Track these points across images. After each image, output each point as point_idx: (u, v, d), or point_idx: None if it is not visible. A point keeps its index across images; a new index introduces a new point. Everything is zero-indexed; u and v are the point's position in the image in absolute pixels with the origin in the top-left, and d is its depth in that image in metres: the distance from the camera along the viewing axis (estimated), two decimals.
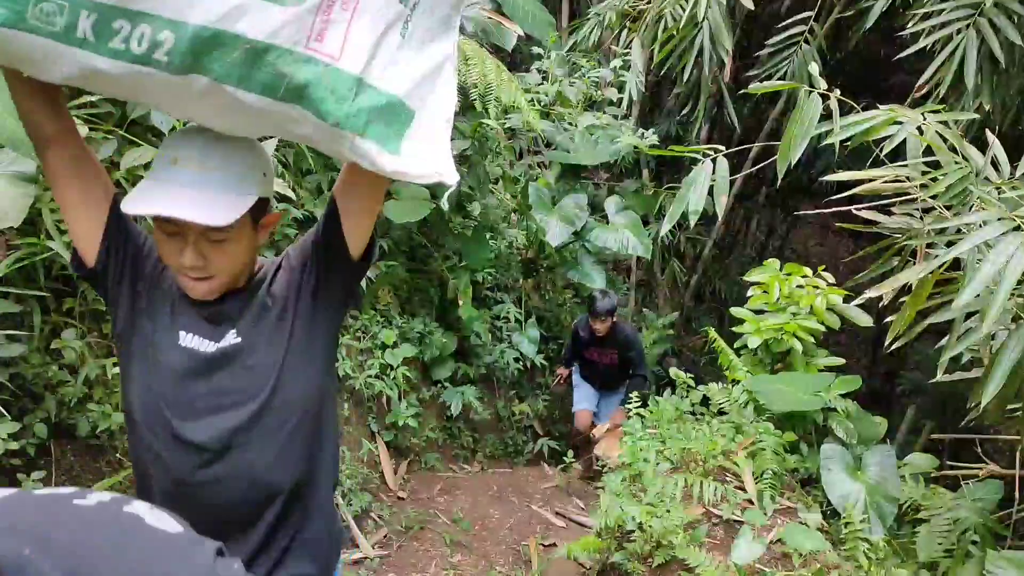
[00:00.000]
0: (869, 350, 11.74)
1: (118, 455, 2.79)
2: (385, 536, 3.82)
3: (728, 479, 3.69)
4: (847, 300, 4.30)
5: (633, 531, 3.26)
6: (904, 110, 3.23)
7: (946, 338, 3.00)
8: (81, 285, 2.66)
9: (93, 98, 2.64)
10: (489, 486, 4.57)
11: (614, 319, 5.20)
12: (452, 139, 4.64)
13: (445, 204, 3.57)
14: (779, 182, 3.87)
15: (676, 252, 9.08)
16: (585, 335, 5.30)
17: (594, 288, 4.82)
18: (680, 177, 7.97)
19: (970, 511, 3.44)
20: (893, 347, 3.14)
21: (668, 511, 3.24)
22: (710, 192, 3.66)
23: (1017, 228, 2.51)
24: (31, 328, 2.50)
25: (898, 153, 3.19)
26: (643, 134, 5.07)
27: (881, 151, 3.22)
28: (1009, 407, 2.99)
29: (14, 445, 2.37)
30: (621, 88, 5.69)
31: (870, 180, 3.21)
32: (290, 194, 3.00)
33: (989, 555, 2.77)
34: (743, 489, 3.63)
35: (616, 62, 5.61)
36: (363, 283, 4.14)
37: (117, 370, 2.73)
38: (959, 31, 4.79)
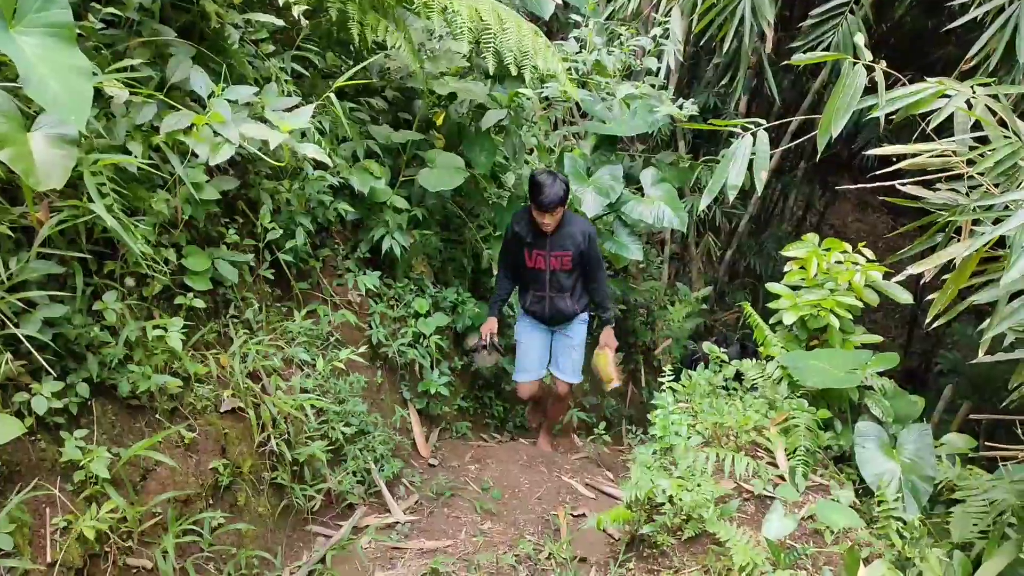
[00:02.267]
0: (905, 329, 11.58)
1: (157, 416, 2.85)
2: (416, 502, 3.87)
3: (760, 455, 3.67)
4: (887, 277, 4.23)
5: (663, 504, 3.26)
6: (952, 83, 3.15)
7: (989, 318, 2.95)
8: (122, 248, 2.70)
9: (134, 62, 2.66)
10: (519, 455, 4.59)
11: (565, 209, 4.23)
12: (489, 108, 4.61)
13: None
14: (819, 156, 3.80)
15: (711, 226, 8.99)
16: (525, 232, 4.28)
17: (537, 172, 4.13)
18: (717, 149, 7.90)
19: (1008, 493, 3.38)
20: (933, 325, 3.09)
21: (699, 485, 3.22)
22: (749, 166, 3.62)
23: None
24: (73, 290, 2.54)
25: (942, 129, 3.11)
26: (682, 104, 4.99)
27: (928, 125, 3.14)
28: None
29: (57, 403, 2.43)
30: (660, 57, 5.60)
31: (915, 155, 3.14)
32: (327, 160, 3.00)
33: None
34: (775, 465, 3.61)
35: (656, 31, 5.52)
36: (398, 251, 4.16)
37: (157, 332, 2.78)
38: (1012, 1, 4.65)
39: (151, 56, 2.90)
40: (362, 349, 3.79)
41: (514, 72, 3.69)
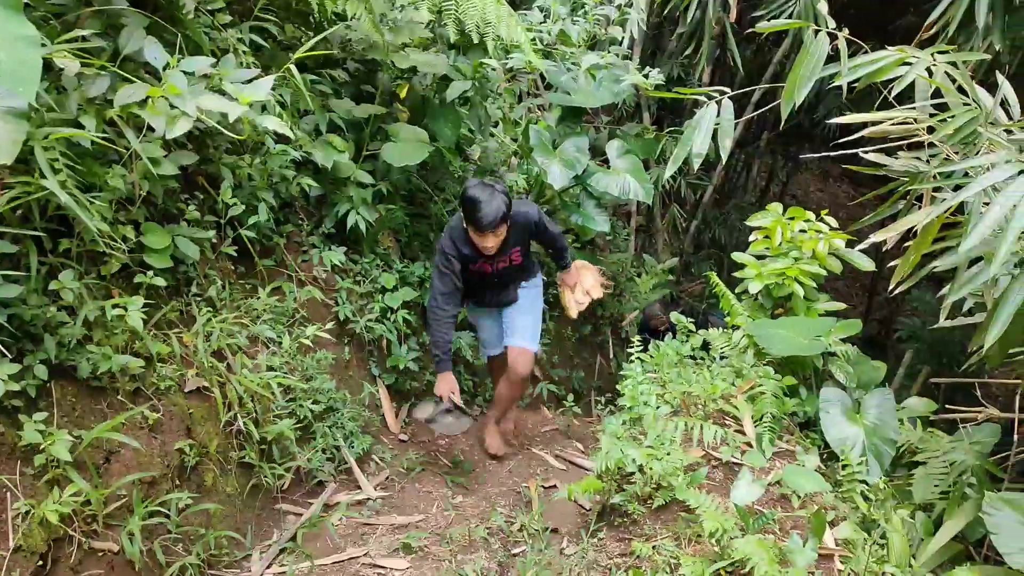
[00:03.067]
0: (866, 297, 11.79)
1: (119, 397, 2.79)
2: (387, 478, 3.86)
3: (728, 423, 3.71)
4: (849, 245, 4.28)
5: (633, 473, 3.29)
6: (913, 51, 3.16)
7: (949, 284, 2.99)
8: (77, 226, 2.62)
9: (85, 32, 2.57)
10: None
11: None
12: (452, 79, 4.55)
13: None
14: (782, 125, 3.82)
15: (677, 197, 9.03)
16: (467, 251, 3.73)
17: (470, 186, 3.56)
18: (681, 121, 7.90)
19: (967, 454, 3.47)
20: (896, 292, 3.13)
21: (668, 454, 3.25)
22: (714, 136, 3.62)
23: None
24: (27, 269, 2.47)
25: (902, 97, 3.13)
26: (647, 74, 4.97)
27: (890, 93, 3.16)
28: (1011, 351, 2.99)
29: (15, 386, 2.37)
30: (624, 27, 5.57)
31: (877, 123, 3.16)
32: (288, 133, 2.93)
33: (987, 496, 2.80)
34: (742, 432, 3.65)
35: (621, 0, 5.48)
36: (363, 226, 4.10)
37: (116, 311, 2.72)
38: None
39: (103, 27, 2.80)
40: (329, 325, 3.75)
41: (476, 42, 3.64)
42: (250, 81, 2.83)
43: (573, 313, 4.60)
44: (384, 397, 4.35)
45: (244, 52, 3.36)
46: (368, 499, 3.62)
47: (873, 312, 11.19)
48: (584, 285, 4.52)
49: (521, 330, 4.08)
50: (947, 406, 3.83)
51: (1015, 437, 3.17)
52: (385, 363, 4.40)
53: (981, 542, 3.29)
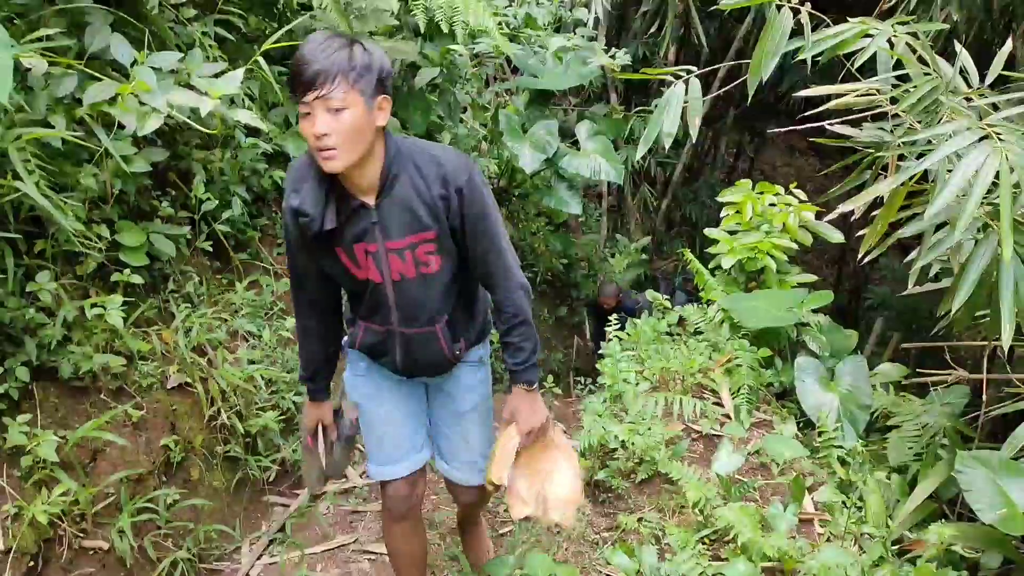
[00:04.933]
0: (835, 268, 11.95)
1: (102, 396, 2.78)
2: None
3: (706, 396, 3.79)
4: (819, 217, 4.36)
5: (616, 449, 3.35)
6: (875, 22, 3.22)
7: (916, 249, 3.07)
8: (52, 226, 2.61)
9: (50, 31, 2.54)
10: None
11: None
12: (421, 66, 4.54)
13: None
14: (749, 100, 3.87)
15: (647, 177, 9.10)
16: (314, 209, 1.73)
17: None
18: (648, 100, 7.96)
19: (939, 415, 3.57)
20: (866, 260, 3.20)
21: (649, 429, 3.32)
22: (683, 114, 3.66)
23: (986, 137, 2.56)
24: (4, 271, 2.45)
25: (864, 70, 3.19)
26: (614, 55, 5.00)
27: (853, 65, 3.21)
28: (978, 313, 3.08)
29: None
30: (589, 7, 5.59)
31: (841, 95, 3.22)
32: (260, 125, 2.93)
33: (959, 456, 2.89)
34: (720, 405, 3.73)
35: None
36: None
37: (95, 311, 2.71)
38: None
39: (67, 25, 2.77)
40: None
41: (445, 29, 3.64)
42: (219, 75, 2.82)
43: (517, 513, 2.20)
44: None
45: (210, 46, 3.33)
46: (355, 487, 3.64)
47: (842, 283, 11.36)
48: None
49: (453, 453, 2.33)
50: (918, 370, 3.93)
51: (984, 397, 3.27)
52: None
53: (954, 500, 3.40)
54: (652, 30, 7.52)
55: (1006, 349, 2.55)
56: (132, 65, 2.64)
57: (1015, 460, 2.93)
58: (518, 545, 3.15)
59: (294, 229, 1.88)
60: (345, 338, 2.18)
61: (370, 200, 1.81)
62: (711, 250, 4.48)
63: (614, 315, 4.41)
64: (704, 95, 3.69)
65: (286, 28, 3.32)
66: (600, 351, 4.09)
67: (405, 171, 1.81)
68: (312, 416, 2.27)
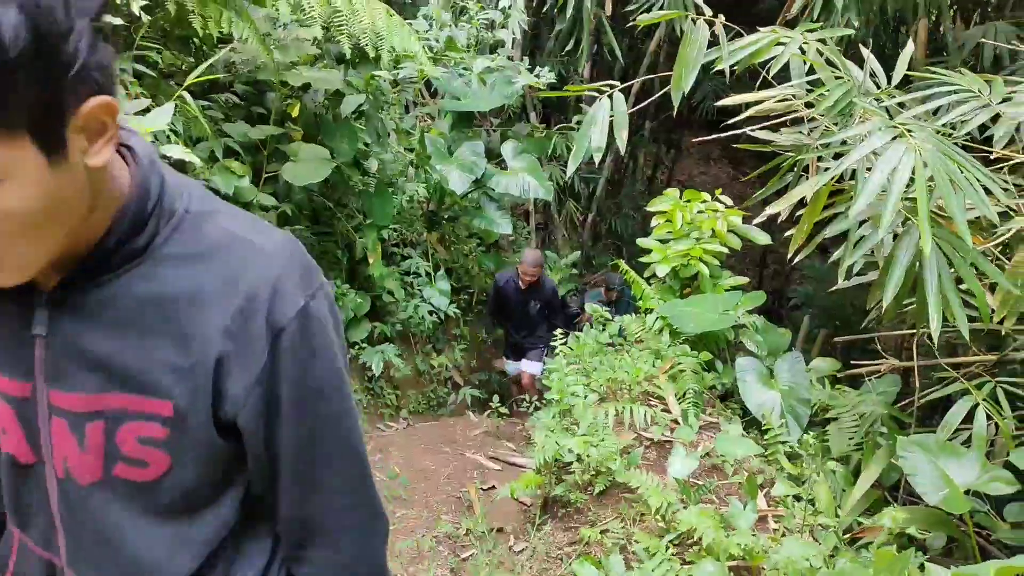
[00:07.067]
0: (756, 271, 12.31)
1: None
2: None
3: (653, 403, 3.84)
4: (744, 221, 4.49)
5: (571, 463, 3.36)
6: (785, 31, 3.35)
7: (843, 246, 3.19)
8: None
9: None
10: (419, 440, 4.59)
11: None
12: (346, 94, 4.51)
13: None
14: (675, 112, 3.97)
15: (571, 192, 9.21)
16: None
17: None
18: (567, 118, 8.08)
19: (874, 405, 3.70)
20: (795, 260, 3.31)
21: (603, 440, 3.34)
22: (610, 128, 3.73)
23: (900, 135, 2.69)
24: None
25: (774, 77, 3.31)
26: (539, 73, 5.07)
27: (769, 73, 3.34)
28: (904, 302, 3.21)
29: None
30: (507, 27, 5.66)
31: (760, 102, 3.34)
32: (195, 159, 2.86)
33: (899, 441, 2.99)
34: (668, 411, 3.78)
35: (505, 1, 5.56)
36: None
37: None
38: None
39: None
40: None
41: (372, 54, 3.63)
42: (145, 111, 2.74)
43: None
44: None
45: (132, 83, 3.25)
46: None
47: (764, 284, 11.68)
48: None
49: None
50: (852, 362, 4.07)
51: (917, 383, 3.41)
52: None
53: (896, 486, 3.52)
54: (568, 48, 7.66)
55: (936, 337, 2.66)
56: None
57: (950, 442, 3.06)
58: (481, 568, 3.13)
59: None
60: None
61: (47, 287, 0.85)
62: (644, 259, 4.56)
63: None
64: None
65: (209, 62, 3.26)
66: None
67: (163, 252, 0.84)
68: None
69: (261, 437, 0.87)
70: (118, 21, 2.98)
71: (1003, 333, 3.18)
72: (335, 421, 0.91)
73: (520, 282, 5.36)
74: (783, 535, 2.88)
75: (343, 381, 0.91)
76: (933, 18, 5.74)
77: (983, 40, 4.38)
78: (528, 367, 5.61)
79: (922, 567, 2.09)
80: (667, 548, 2.66)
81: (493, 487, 3.98)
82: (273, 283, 0.83)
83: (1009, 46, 4.20)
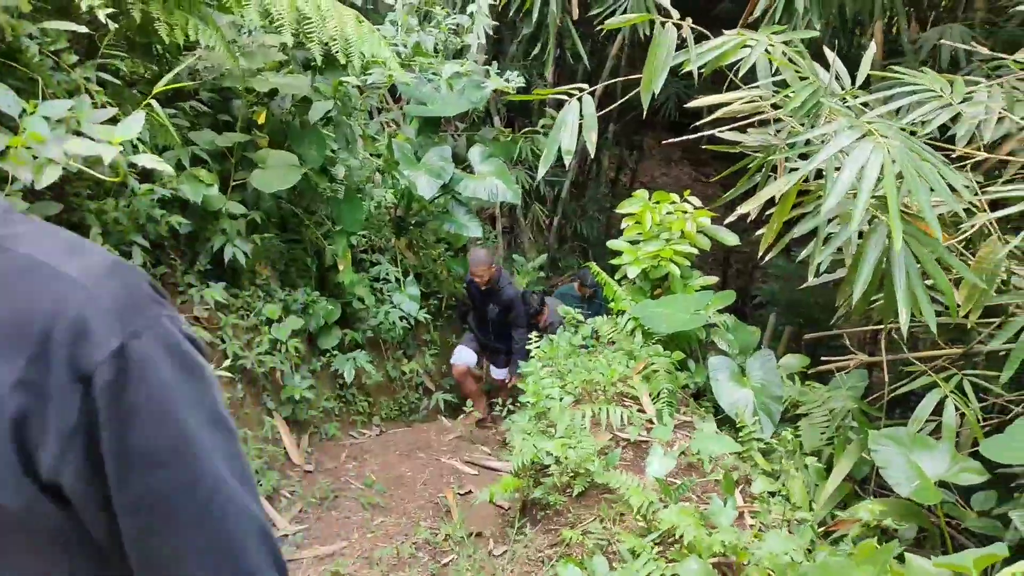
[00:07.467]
0: (721, 270, 12.45)
1: None
2: (300, 510, 3.76)
3: (628, 403, 3.86)
4: (713, 222, 4.54)
5: (549, 466, 3.37)
6: (751, 33, 3.40)
7: (811, 243, 3.24)
8: None
9: None
10: (394, 446, 4.56)
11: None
12: (314, 100, 4.48)
13: None
14: (644, 114, 4.01)
15: (537, 196, 9.24)
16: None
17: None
18: (531, 122, 8.10)
19: (844, 399, 3.76)
20: (766, 258, 3.36)
21: (580, 441, 3.35)
22: (579, 131, 3.75)
23: (867, 134, 2.74)
24: None
25: (740, 79, 3.36)
26: (508, 78, 5.08)
27: (737, 75, 3.38)
28: (872, 298, 3.27)
29: None
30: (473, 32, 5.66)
31: (727, 103, 3.38)
32: (167, 168, 2.81)
33: (871, 435, 3.05)
34: (643, 411, 3.81)
35: (471, 7, 5.57)
36: (241, 259, 3.99)
37: None
38: None
39: None
40: (226, 364, 3.62)
41: (343, 61, 3.61)
42: (112, 120, 2.69)
43: None
44: (283, 430, 4.24)
45: (97, 92, 3.19)
46: (286, 535, 3.52)
47: (729, 283, 11.82)
48: None
49: None
50: (822, 358, 4.13)
51: (886, 377, 3.47)
52: (280, 395, 4.28)
53: (866, 479, 3.58)
54: (534, 52, 7.68)
55: (905, 332, 2.72)
56: (20, 115, 2.49)
57: (919, 434, 3.13)
58: (462, 573, 3.13)
59: None
60: None
61: None
62: (614, 261, 4.59)
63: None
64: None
65: (177, 70, 3.21)
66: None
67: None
68: None
69: (93, 510, 0.69)
70: (83, 29, 2.92)
71: (968, 327, 3.25)
72: (184, 494, 0.70)
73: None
74: (760, 531, 2.92)
75: (189, 442, 0.70)
76: (887, 20, 5.88)
77: (942, 42, 4.48)
78: (494, 372, 5.71)
79: (901, 557, 2.13)
80: (651, 547, 2.67)
81: (470, 492, 3.98)
82: (73, 320, 0.66)
83: (965, 47, 4.30)
